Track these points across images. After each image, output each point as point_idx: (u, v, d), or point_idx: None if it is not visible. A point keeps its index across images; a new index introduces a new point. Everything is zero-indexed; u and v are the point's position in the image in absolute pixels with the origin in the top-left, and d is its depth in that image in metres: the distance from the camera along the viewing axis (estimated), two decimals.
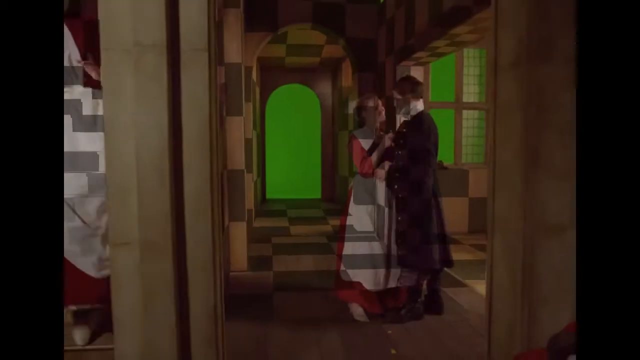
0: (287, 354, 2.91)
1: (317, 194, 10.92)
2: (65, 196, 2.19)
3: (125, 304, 1.96)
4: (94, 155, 2.35)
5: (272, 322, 3.40)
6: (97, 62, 2.14)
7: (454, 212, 6.32)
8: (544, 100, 2.12)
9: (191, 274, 2.02)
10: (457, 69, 6.96)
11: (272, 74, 10.05)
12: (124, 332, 1.97)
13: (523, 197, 2.20)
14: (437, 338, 3.13)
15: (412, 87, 3.36)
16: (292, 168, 11.35)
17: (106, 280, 2.11)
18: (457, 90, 7.01)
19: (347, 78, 8.68)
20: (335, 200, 10.14)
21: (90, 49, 2.38)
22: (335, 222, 7.66)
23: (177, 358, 1.98)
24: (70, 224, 2.31)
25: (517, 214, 2.24)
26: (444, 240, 3.47)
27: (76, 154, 2.34)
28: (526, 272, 2.18)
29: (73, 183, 2.30)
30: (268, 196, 10.76)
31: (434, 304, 3.54)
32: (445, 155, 6.89)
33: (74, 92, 2.38)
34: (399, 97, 3.40)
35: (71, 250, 2.33)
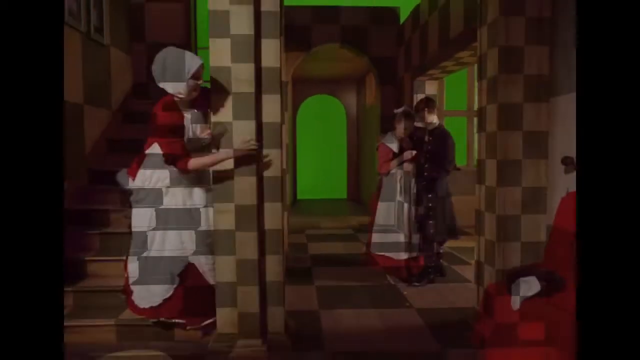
0: (326, 305, 3.83)
1: (344, 195, 11.86)
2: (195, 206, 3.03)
3: (224, 248, 2.91)
4: None
5: (312, 286, 4.33)
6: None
7: (465, 208, 7.15)
8: (511, 113, 3.03)
9: (267, 233, 2.97)
10: (469, 81, 7.83)
11: (303, 86, 11.04)
12: (222, 268, 2.92)
13: (498, 186, 3.10)
14: (442, 296, 4.03)
15: (427, 105, 4.31)
16: (320, 171, 12.31)
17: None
18: (469, 100, 7.87)
19: (370, 89, 9.59)
20: (359, 200, 11.03)
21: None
22: (359, 218, 8.56)
23: (258, 286, 2.91)
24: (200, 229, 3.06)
25: (495, 196, 3.14)
26: (451, 228, 4.41)
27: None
28: (500, 234, 3.08)
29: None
30: (299, 197, 11.73)
31: (440, 270, 4.57)
32: (458, 158, 7.73)
33: None
34: (416, 111, 4.37)
35: (199, 250, 3.06)
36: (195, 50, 6.76)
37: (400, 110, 4.45)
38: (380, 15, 7.54)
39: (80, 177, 4.42)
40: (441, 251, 4.59)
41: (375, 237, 4.50)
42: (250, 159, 2.83)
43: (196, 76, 2.87)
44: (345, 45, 7.47)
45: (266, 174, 2.94)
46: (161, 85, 2.88)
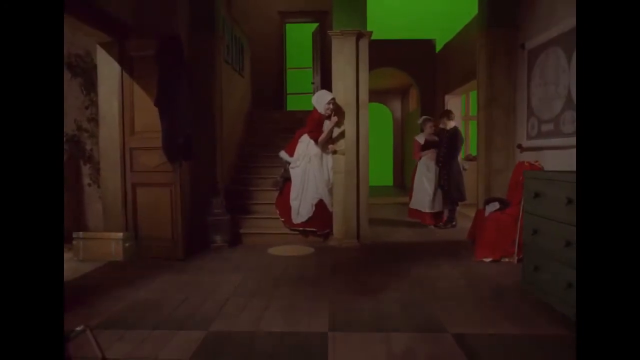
0: (386, 234, 6.49)
1: (390, 182, 14.54)
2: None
3: (338, 192, 5.63)
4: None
5: (377, 227, 7.01)
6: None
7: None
8: (493, 121, 5.62)
9: (360, 182, 5.67)
10: None
11: None
12: (337, 202, 5.64)
13: (485, 159, 5.70)
14: (457, 231, 6.62)
15: (447, 115, 6.91)
16: (371, 163, 15.02)
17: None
18: None
19: (412, 99, 12.18)
20: (403, 186, 13.62)
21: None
22: (403, 198, 11.18)
23: (356, 212, 5.62)
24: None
25: (484, 164, 5.74)
26: (461, 193, 6.98)
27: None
28: (487, 185, 5.68)
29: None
30: None
31: (454, 221, 7.08)
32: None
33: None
34: (440, 119, 6.99)
35: (325, 193, 5.87)
36: (285, 72, 9.58)
37: (422, 118, 7.14)
38: (421, 45, 10.16)
39: (234, 157, 7.27)
40: (457, 207, 7.14)
41: (413, 197, 7.14)
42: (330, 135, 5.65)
43: (329, 103, 5.58)
44: (396, 68, 10.13)
45: (360, 153, 5.65)
46: (315, 107, 5.67)
